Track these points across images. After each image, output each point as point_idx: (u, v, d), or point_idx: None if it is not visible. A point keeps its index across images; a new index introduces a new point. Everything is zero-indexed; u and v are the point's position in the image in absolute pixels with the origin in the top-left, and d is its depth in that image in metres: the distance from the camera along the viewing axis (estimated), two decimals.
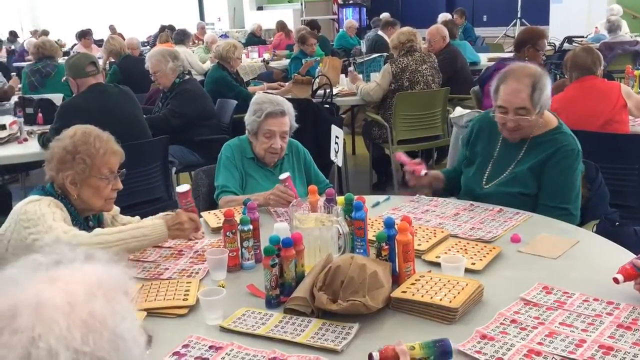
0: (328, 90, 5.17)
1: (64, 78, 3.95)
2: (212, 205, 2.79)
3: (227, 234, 2.02)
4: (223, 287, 1.88)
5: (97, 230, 1.91)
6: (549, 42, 8.34)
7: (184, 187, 2.17)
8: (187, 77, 4.56)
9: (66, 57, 4.99)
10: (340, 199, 2.12)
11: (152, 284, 1.89)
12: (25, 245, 1.92)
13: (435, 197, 2.68)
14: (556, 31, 10.43)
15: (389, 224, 1.85)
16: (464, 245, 2.09)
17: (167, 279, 1.94)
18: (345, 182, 5.47)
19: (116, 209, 2.34)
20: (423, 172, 2.62)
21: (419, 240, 2.12)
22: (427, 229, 2.24)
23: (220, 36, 10.46)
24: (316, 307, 1.66)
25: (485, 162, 2.64)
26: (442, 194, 2.77)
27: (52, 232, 1.88)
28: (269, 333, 1.59)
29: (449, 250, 2.06)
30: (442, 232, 2.21)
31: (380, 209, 2.55)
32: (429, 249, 2.06)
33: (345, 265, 1.68)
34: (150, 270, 2.02)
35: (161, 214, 2.36)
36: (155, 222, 2.04)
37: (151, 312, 1.72)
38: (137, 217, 2.37)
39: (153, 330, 1.63)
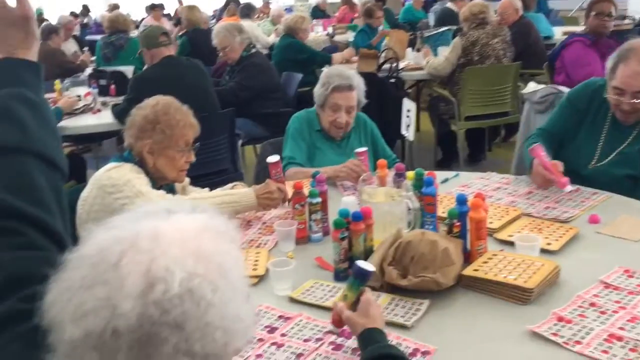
0: (394, 65, 5.08)
1: (139, 51, 4.04)
2: None
3: (296, 206, 2.02)
4: (291, 258, 1.89)
5: (193, 193, 1.95)
6: (628, 16, 7.92)
7: (274, 158, 2.20)
8: (254, 50, 4.58)
9: (137, 30, 5.10)
10: (410, 173, 2.08)
11: None
12: (110, 210, 1.96)
13: (507, 175, 2.59)
14: (637, 4, 9.88)
15: (461, 200, 1.80)
16: (538, 225, 2.02)
17: None
18: (409, 158, 5.40)
19: (187, 180, 2.37)
20: (568, 188, 2.16)
21: (490, 218, 2.06)
22: (499, 206, 2.18)
23: (285, 10, 10.44)
24: (385, 282, 1.64)
25: (591, 140, 2.44)
26: None
27: (143, 196, 1.94)
28: None
29: (522, 229, 1.99)
30: (515, 210, 2.14)
31: (448, 186, 2.49)
32: (501, 228, 2.00)
33: (416, 241, 1.65)
34: None
35: (230, 184, 2.39)
36: (245, 191, 2.08)
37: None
38: (206, 189, 2.40)
39: None
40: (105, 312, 0.73)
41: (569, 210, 2.15)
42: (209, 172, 3.61)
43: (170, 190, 2.23)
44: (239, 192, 2.07)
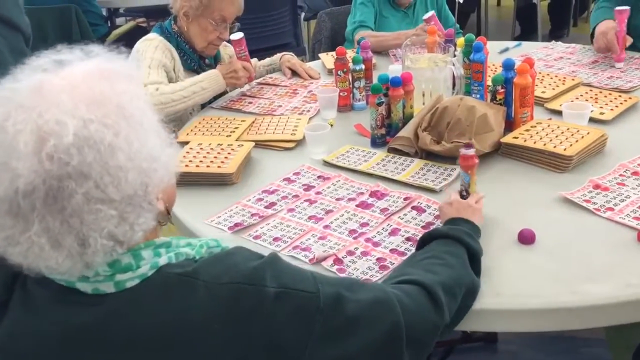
0: None
1: None
2: (333, 49, 2.74)
3: (339, 72, 1.99)
4: (332, 125, 1.89)
5: (163, 88, 1.94)
6: None
7: (237, 35, 2.14)
8: None
9: None
10: (460, 40, 1.98)
11: (263, 118, 1.94)
12: None
13: (572, 45, 2.42)
14: None
15: (507, 65, 1.70)
16: (596, 95, 1.90)
17: (279, 115, 1.98)
18: (484, 33, 5.13)
19: (231, 49, 2.37)
20: (621, 65, 2.12)
21: (544, 87, 1.96)
22: (556, 76, 2.05)
23: None
24: (419, 148, 1.62)
25: None
26: None
27: (146, 75, 1.97)
28: (370, 170, 1.59)
29: (577, 98, 1.88)
30: (573, 79, 2.01)
31: (507, 55, 2.36)
32: (554, 97, 1.90)
33: (453, 106, 1.60)
34: (265, 106, 2.07)
35: (278, 54, 2.37)
36: (211, 74, 2.05)
37: (260, 144, 1.78)
38: (255, 59, 2.39)
39: (261, 161, 1.71)
40: (5, 176, 0.72)
41: (634, 79, 2.00)
42: (270, 46, 3.59)
43: (216, 59, 2.24)
44: (206, 77, 2.04)
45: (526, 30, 5.10)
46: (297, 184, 1.56)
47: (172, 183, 0.88)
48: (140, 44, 2.09)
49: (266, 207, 1.46)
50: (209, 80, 2.04)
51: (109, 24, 4.33)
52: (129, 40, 2.16)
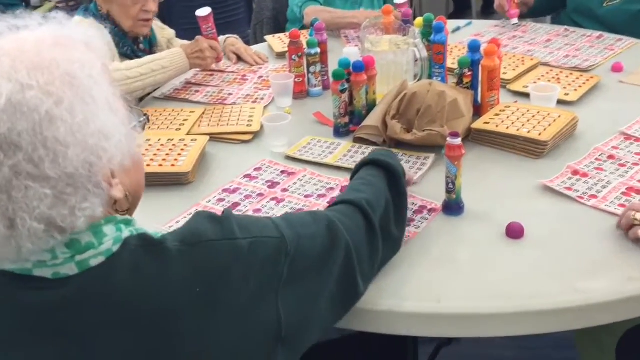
0: None
1: None
2: (278, 31, 2.60)
3: (293, 57, 1.86)
4: (289, 113, 1.77)
5: (117, 64, 1.78)
6: None
7: (204, 11, 1.98)
8: None
9: None
10: (418, 20, 1.89)
11: (214, 108, 1.80)
12: None
13: (524, 22, 2.39)
14: None
15: (473, 47, 1.63)
16: (557, 75, 1.87)
17: (231, 104, 1.84)
18: (418, 9, 5.09)
19: (171, 32, 2.20)
20: (515, 20, 2.33)
21: (504, 68, 1.90)
22: (514, 56, 2.01)
23: None
24: (388, 137, 1.53)
25: None
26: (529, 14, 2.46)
27: None
28: (337, 162, 1.49)
29: (539, 79, 1.84)
30: (532, 59, 1.97)
31: (460, 35, 2.30)
32: (516, 78, 1.85)
33: (423, 92, 1.52)
34: (214, 95, 1.92)
35: (224, 36, 2.21)
36: (174, 53, 1.90)
37: (215, 137, 1.64)
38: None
39: (216, 156, 1.57)
40: None
41: (590, 58, 1.98)
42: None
43: (151, 43, 2.06)
44: (168, 55, 1.89)
45: (459, 7, 5.11)
46: (260, 180, 1.44)
47: (139, 169, 0.81)
48: None
49: (229, 208, 1.33)
50: (171, 58, 1.88)
51: (23, 4, 3.99)
52: None
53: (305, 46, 1.85)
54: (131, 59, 1.94)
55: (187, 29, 3.48)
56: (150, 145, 1.54)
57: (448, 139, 1.22)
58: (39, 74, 0.67)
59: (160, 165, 1.45)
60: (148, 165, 1.45)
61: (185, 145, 1.53)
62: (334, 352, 1.30)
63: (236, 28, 3.43)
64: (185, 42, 2.21)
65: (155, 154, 1.49)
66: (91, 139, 0.68)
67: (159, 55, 1.90)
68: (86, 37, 0.75)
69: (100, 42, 0.76)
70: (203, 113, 1.76)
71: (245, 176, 1.45)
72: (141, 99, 1.94)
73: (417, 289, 1.07)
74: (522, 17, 2.41)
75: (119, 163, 0.72)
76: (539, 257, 1.13)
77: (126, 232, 0.74)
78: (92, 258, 0.70)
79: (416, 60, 1.76)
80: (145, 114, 0.84)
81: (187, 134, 1.63)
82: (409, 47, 1.73)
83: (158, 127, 1.68)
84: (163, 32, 2.19)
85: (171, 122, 1.70)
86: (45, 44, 0.70)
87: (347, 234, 0.91)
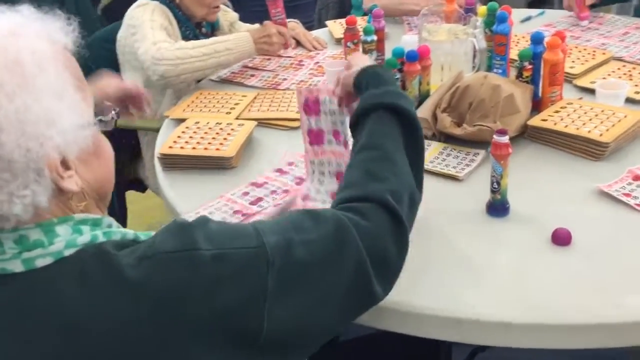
0: None
1: None
2: (342, 16, 2.56)
3: (348, 44, 1.83)
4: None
5: (181, 43, 1.79)
6: None
7: None
8: None
9: None
10: (482, 9, 1.81)
11: (266, 93, 1.79)
12: (134, 51, 1.86)
13: (601, 13, 2.25)
14: None
15: (536, 39, 1.55)
16: (629, 70, 1.74)
17: (283, 90, 1.83)
18: None
19: (234, 15, 2.20)
20: (585, 23, 2.14)
21: (573, 62, 1.80)
22: (585, 49, 1.89)
23: None
24: (438, 131, 1.48)
25: None
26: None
27: (144, 41, 1.79)
28: None
29: (609, 75, 1.72)
30: (604, 53, 1.85)
31: (530, 25, 2.19)
32: (583, 73, 1.74)
33: (476, 85, 1.45)
34: (268, 79, 1.91)
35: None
36: (240, 36, 1.88)
37: (263, 123, 1.63)
38: (257, 25, 2.22)
39: (263, 141, 1.56)
40: None
41: None
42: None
43: (213, 27, 2.07)
44: (234, 37, 1.86)
45: None
46: (290, 176, 1.40)
47: (103, 162, 0.78)
48: (133, 11, 1.91)
49: (251, 203, 1.31)
50: (237, 41, 1.86)
51: None
52: (123, 6, 1.98)
53: (361, 33, 1.81)
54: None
55: (256, 11, 3.51)
56: (198, 128, 1.55)
57: (495, 136, 1.16)
58: None
59: (206, 148, 1.46)
60: (194, 148, 1.46)
61: (232, 129, 1.53)
62: (365, 348, 1.28)
63: (303, 11, 3.40)
64: (250, 25, 2.21)
65: (202, 137, 1.50)
66: (30, 125, 0.67)
67: (225, 37, 1.90)
68: (50, 30, 0.74)
69: (57, 29, 0.74)
70: (255, 98, 1.76)
71: (277, 170, 1.43)
72: (198, 81, 1.96)
73: (451, 292, 1.03)
74: (594, 7, 2.27)
75: (68, 152, 0.70)
76: (584, 267, 1.06)
77: (87, 236, 0.71)
78: (39, 257, 0.68)
79: (475, 51, 1.68)
80: (115, 110, 0.81)
81: (236, 118, 1.63)
82: (468, 37, 1.66)
83: (209, 110, 1.69)
84: (226, 15, 2.20)
85: (222, 106, 1.71)
86: (1, 32, 0.70)
87: (360, 239, 0.81)
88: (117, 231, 0.75)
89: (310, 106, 1.21)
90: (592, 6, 2.19)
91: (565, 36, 1.58)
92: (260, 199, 1.32)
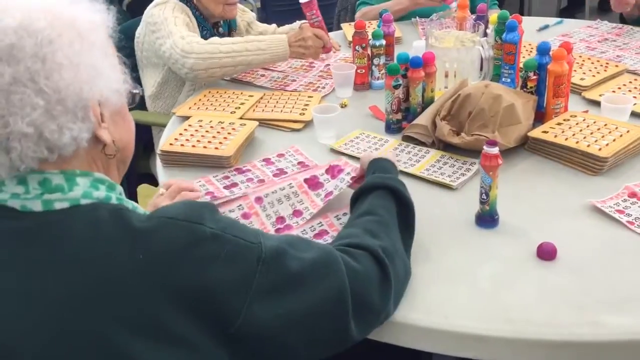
0: None
1: None
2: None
3: (357, 48, 1.83)
4: (345, 105, 1.75)
5: (213, 39, 1.80)
6: None
7: None
8: None
9: None
10: (493, 17, 1.80)
11: (273, 94, 1.81)
12: (154, 49, 1.89)
13: (621, 25, 2.21)
14: None
15: (542, 49, 1.53)
16: None
17: (291, 91, 1.84)
18: (527, 5, 4.84)
19: (251, 15, 2.22)
20: None
21: (584, 73, 1.77)
22: (598, 60, 1.86)
23: None
24: (437, 138, 1.47)
25: None
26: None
27: (171, 37, 1.81)
28: None
29: (620, 88, 1.70)
30: (617, 66, 1.82)
31: (547, 34, 2.17)
32: (594, 85, 1.72)
33: (477, 93, 1.44)
34: (278, 80, 1.93)
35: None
36: (276, 37, 1.84)
37: (266, 123, 1.65)
38: (274, 25, 2.24)
39: (265, 142, 1.58)
40: None
41: None
42: None
43: (230, 27, 2.09)
44: (269, 38, 1.83)
45: (573, 3, 4.80)
46: (273, 167, 1.42)
47: (128, 127, 0.87)
48: (153, 9, 1.93)
49: (225, 187, 1.34)
50: (270, 42, 1.81)
51: None
52: (148, 2, 2.01)
53: (370, 37, 1.82)
54: None
55: (279, 11, 3.54)
56: (200, 126, 1.57)
57: (484, 147, 1.16)
58: (48, 14, 0.76)
59: (205, 147, 1.48)
60: (194, 146, 1.49)
61: (233, 129, 1.55)
62: (347, 355, 1.28)
63: (325, 13, 3.41)
64: (266, 26, 2.23)
65: (203, 135, 1.52)
66: (82, 66, 0.76)
67: (259, 37, 1.86)
68: (92, 3, 0.83)
69: (105, 13, 0.83)
70: (261, 98, 1.78)
71: (264, 160, 1.45)
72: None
73: (429, 301, 1.03)
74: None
75: (106, 105, 0.80)
76: (566, 283, 1.05)
77: (102, 192, 0.78)
78: (57, 201, 0.75)
79: (482, 60, 1.67)
80: (137, 90, 0.89)
81: (240, 118, 1.65)
82: (475, 45, 1.65)
83: (215, 109, 1.72)
84: (243, 15, 2.22)
85: (228, 105, 1.73)
86: (63, 1, 0.80)
87: (347, 278, 0.86)
88: (130, 202, 0.82)
89: (334, 170, 1.32)
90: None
91: (572, 47, 1.55)
92: (235, 185, 1.35)
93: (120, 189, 0.83)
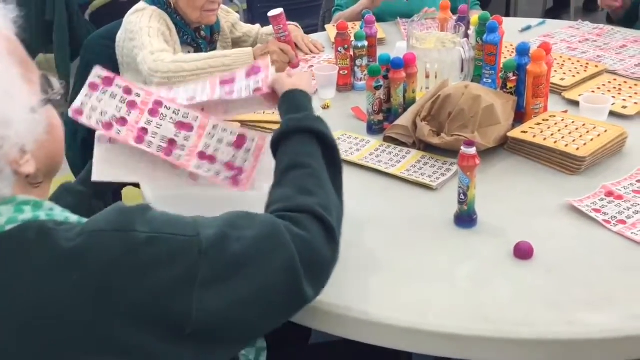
0: None
1: None
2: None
3: (339, 49, 1.84)
4: (328, 106, 1.76)
5: (178, 56, 1.78)
6: None
7: (275, 11, 1.90)
8: None
9: None
10: (474, 17, 1.81)
11: None
12: (133, 56, 1.88)
13: (602, 25, 2.23)
14: None
15: (521, 50, 1.54)
16: (620, 85, 1.73)
17: None
18: (513, 6, 4.87)
19: (235, 16, 2.22)
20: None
21: (564, 73, 1.79)
22: (578, 61, 1.88)
23: None
24: (417, 139, 1.48)
25: None
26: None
27: (143, 50, 1.80)
28: (362, 161, 1.46)
29: (599, 88, 1.71)
30: (597, 66, 1.84)
31: (529, 35, 2.18)
32: (574, 85, 1.74)
33: (457, 94, 1.45)
34: None
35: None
36: (242, 52, 1.83)
37: (245, 124, 1.65)
38: (258, 25, 2.24)
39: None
40: None
41: None
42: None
43: (212, 30, 2.08)
44: (233, 53, 1.82)
45: (559, 4, 4.84)
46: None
47: (55, 139, 0.82)
48: (131, 16, 1.92)
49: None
50: (237, 57, 1.80)
51: None
52: (111, 13, 2.01)
53: (352, 38, 1.82)
54: (192, 47, 1.98)
55: (266, 12, 3.52)
56: None
57: (462, 147, 1.17)
58: None
59: None
60: None
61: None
62: (329, 353, 1.29)
63: (310, 14, 3.43)
64: (250, 26, 2.22)
65: None
66: None
67: (224, 52, 1.85)
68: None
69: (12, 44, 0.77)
70: None
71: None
72: None
73: (407, 301, 1.04)
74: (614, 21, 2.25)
75: (25, 143, 0.74)
76: (543, 281, 1.06)
77: (28, 214, 0.75)
78: None
79: (463, 60, 1.68)
80: (62, 84, 0.83)
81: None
82: (456, 46, 1.66)
83: None
84: (227, 16, 2.21)
85: None
86: None
87: (294, 246, 0.85)
88: (60, 214, 0.79)
89: (252, 70, 1.25)
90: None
91: (551, 48, 1.57)
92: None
93: (48, 204, 0.79)
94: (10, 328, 0.69)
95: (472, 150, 1.16)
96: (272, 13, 1.90)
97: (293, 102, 1.13)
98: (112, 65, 2.03)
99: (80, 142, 2.03)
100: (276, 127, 1.60)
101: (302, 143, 1.03)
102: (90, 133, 2.02)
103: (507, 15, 4.60)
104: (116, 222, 0.75)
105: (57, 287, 0.70)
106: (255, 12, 3.66)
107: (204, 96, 1.23)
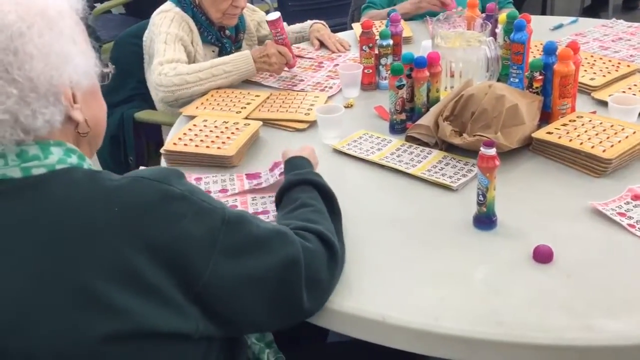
0: None
1: None
2: None
3: (364, 47, 1.83)
4: (351, 105, 1.75)
5: (183, 67, 1.80)
6: None
7: (273, 15, 1.91)
8: None
9: None
10: (502, 16, 1.78)
11: (279, 94, 1.81)
12: (154, 55, 1.90)
13: (635, 24, 2.17)
14: None
15: (548, 49, 1.51)
16: None
17: (298, 91, 1.84)
18: (550, 4, 4.77)
19: (262, 14, 2.23)
20: None
21: (594, 73, 1.74)
22: (610, 60, 1.83)
23: None
24: (440, 139, 1.46)
25: None
26: None
27: (156, 56, 1.84)
28: (382, 160, 1.45)
29: (630, 88, 1.66)
30: (629, 66, 1.79)
31: (560, 33, 2.14)
32: (604, 85, 1.69)
33: (480, 94, 1.43)
34: (286, 80, 1.94)
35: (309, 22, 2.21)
36: (241, 56, 1.85)
37: (271, 123, 1.66)
38: (284, 24, 2.24)
39: (269, 142, 1.59)
40: None
41: None
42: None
43: (237, 29, 2.09)
44: (232, 59, 1.85)
45: (596, 2, 4.72)
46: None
47: (99, 106, 0.92)
48: (156, 17, 1.95)
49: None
50: (236, 62, 1.84)
51: None
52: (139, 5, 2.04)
53: (377, 37, 1.81)
54: (217, 46, 2.00)
55: (295, 11, 3.54)
56: (205, 126, 1.59)
57: (481, 148, 1.15)
58: (20, 7, 0.81)
59: (208, 147, 1.49)
60: (197, 145, 1.50)
61: (237, 128, 1.56)
62: (340, 355, 1.28)
63: (340, 13, 3.41)
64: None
65: (207, 135, 1.54)
66: (53, 56, 0.81)
67: (224, 59, 1.87)
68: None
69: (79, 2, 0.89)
70: (267, 98, 1.78)
71: (276, 164, 1.39)
72: None
73: (422, 303, 1.03)
74: None
75: (77, 87, 0.85)
76: (561, 286, 1.04)
77: (74, 159, 0.84)
78: (35, 168, 0.81)
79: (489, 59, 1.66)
80: (108, 65, 0.94)
81: (246, 118, 1.66)
82: (481, 44, 1.63)
83: (221, 109, 1.73)
84: (253, 14, 2.23)
85: (234, 105, 1.74)
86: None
87: (302, 250, 0.93)
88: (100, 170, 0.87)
89: (274, 167, 1.40)
90: None
91: (579, 47, 1.53)
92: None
93: (89, 161, 0.88)
94: (51, 245, 0.77)
95: (492, 151, 1.14)
96: (270, 17, 1.92)
97: (296, 164, 1.24)
98: (139, 62, 2.07)
99: (109, 138, 2.07)
100: (297, 125, 1.63)
101: (304, 191, 1.13)
102: (119, 130, 2.09)
103: (544, 13, 4.51)
104: (158, 174, 0.85)
105: (99, 215, 0.78)
106: (286, 10, 3.66)
107: (235, 188, 1.38)
